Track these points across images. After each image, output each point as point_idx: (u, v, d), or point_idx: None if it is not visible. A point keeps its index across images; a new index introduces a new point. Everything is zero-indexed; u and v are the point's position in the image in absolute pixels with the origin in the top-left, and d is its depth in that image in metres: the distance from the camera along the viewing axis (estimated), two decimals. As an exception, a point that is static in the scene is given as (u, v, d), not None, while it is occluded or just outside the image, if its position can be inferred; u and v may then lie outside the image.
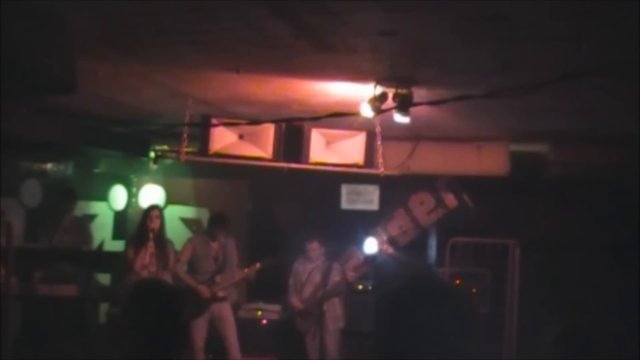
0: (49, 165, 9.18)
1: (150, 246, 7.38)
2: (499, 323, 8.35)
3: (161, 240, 7.49)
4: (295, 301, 8.22)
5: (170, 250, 7.63)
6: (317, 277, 8.19)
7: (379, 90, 5.55)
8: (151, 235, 7.37)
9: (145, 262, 7.34)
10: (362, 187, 9.05)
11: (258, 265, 7.93)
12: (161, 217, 7.57)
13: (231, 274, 7.98)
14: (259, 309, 8.61)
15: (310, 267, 8.25)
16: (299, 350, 8.19)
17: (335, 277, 8.25)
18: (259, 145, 6.94)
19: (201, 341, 7.83)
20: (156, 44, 4.79)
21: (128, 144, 8.55)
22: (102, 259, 8.61)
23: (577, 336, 2.73)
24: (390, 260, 8.76)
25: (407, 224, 8.99)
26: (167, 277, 7.51)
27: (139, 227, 7.54)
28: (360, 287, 8.76)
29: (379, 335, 2.15)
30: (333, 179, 8.26)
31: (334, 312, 8.19)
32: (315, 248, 8.24)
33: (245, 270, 7.97)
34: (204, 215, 8.61)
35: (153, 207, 7.70)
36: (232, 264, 8.02)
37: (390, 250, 8.83)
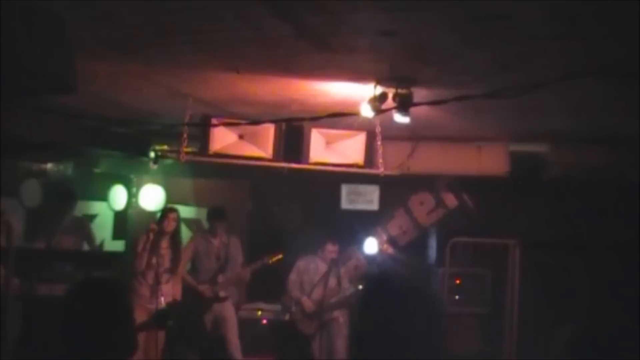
0: (49, 165, 9.17)
1: (163, 247, 7.40)
2: (499, 323, 8.35)
3: (173, 242, 7.52)
4: (307, 302, 8.11)
5: (185, 252, 7.64)
6: (332, 282, 8.07)
7: (379, 90, 5.55)
8: (163, 236, 7.39)
9: (149, 261, 7.35)
10: (362, 187, 9.04)
11: (253, 266, 7.92)
12: (178, 220, 7.58)
13: (233, 273, 7.97)
14: (259, 309, 8.60)
15: (323, 269, 8.13)
16: (300, 351, 8.17)
17: (345, 283, 8.20)
18: (259, 145, 6.94)
19: (203, 340, 7.83)
20: (156, 44, 4.80)
21: (128, 144, 8.55)
22: (102, 259, 8.60)
23: (590, 338, 2.74)
24: (390, 260, 8.77)
25: (407, 224, 8.99)
26: (176, 280, 7.53)
27: (156, 228, 7.49)
28: (360, 287, 8.74)
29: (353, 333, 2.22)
30: (333, 179, 8.25)
31: (346, 318, 8.17)
32: (334, 251, 8.14)
33: (241, 270, 7.96)
34: (204, 215, 8.60)
35: (172, 210, 7.68)
36: (235, 263, 8.01)
37: (390, 250, 8.83)
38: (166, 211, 7.65)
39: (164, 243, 7.43)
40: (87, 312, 2.66)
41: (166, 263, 7.42)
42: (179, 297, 7.58)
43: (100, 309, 2.66)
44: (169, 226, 7.44)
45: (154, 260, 7.35)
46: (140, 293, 7.35)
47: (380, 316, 2.06)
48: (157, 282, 7.28)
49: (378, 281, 2.22)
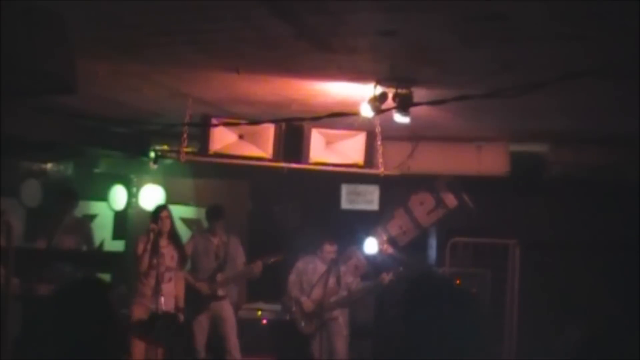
0: (49, 165, 9.18)
1: (163, 246, 7.39)
2: (499, 323, 8.35)
3: (173, 239, 7.51)
4: (307, 302, 8.07)
5: (183, 249, 7.62)
6: (331, 281, 8.02)
7: (379, 90, 5.55)
8: (160, 235, 7.37)
9: (150, 261, 7.34)
10: (362, 187, 9.05)
11: (260, 262, 7.90)
12: (171, 217, 7.57)
13: (233, 272, 7.97)
14: (259, 309, 8.60)
15: (322, 269, 8.08)
16: (300, 351, 8.15)
17: (347, 279, 8.18)
18: (259, 145, 6.94)
19: (202, 340, 7.82)
20: (156, 44, 4.80)
21: (128, 144, 8.55)
22: (102, 259, 8.60)
23: (600, 340, 2.74)
24: (390, 260, 8.76)
25: (407, 224, 8.99)
26: (178, 277, 7.53)
27: (150, 228, 7.49)
28: (361, 287, 8.73)
29: (388, 332, 2.20)
30: (333, 179, 8.26)
31: (345, 318, 8.14)
32: (333, 251, 8.08)
33: (249, 266, 7.94)
34: (204, 215, 8.60)
35: (163, 208, 7.67)
36: (236, 262, 8.01)
37: (390, 250, 8.83)
38: (158, 211, 7.61)
39: (163, 242, 7.42)
40: (74, 313, 2.67)
41: (167, 262, 7.41)
42: (182, 294, 7.56)
43: (86, 310, 2.66)
44: (165, 225, 7.42)
45: (154, 261, 7.33)
46: (142, 293, 7.35)
47: (425, 316, 2.05)
48: (158, 281, 7.28)
49: (420, 281, 2.20)
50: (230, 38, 4.56)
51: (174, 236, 7.55)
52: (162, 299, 7.25)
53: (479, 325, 2.11)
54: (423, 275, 2.20)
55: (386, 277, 7.96)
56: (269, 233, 9.34)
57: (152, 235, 7.35)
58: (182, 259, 7.58)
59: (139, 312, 7.34)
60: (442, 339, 2.03)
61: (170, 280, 7.40)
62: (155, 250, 7.34)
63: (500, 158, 8.15)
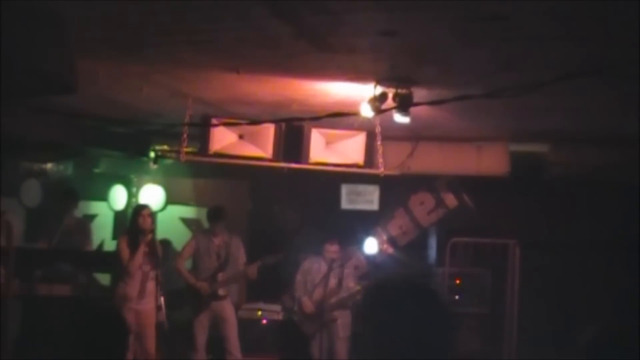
0: (49, 165, 9.18)
1: (144, 246, 7.31)
2: (499, 323, 8.35)
3: (152, 239, 7.44)
4: (307, 302, 8.05)
5: (159, 248, 7.55)
6: (332, 282, 7.99)
7: (379, 90, 5.55)
8: (143, 234, 7.30)
9: (140, 262, 7.29)
10: (362, 187, 9.05)
11: (259, 263, 7.88)
12: (152, 216, 7.51)
13: (234, 271, 7.96)
14: (259, 309, 8.59)
15: (325, 270, 8.04)
16: (300, 351, 8.15)
17: (349, 283, 8.15)
18: (259, 145, 6.94)
19: (203, 340, 7.82)
20: (156, 44, 4.80)
21: (128, 144, 8.56)
22: (102, 259, 8.60)
23: (615, 337, 2.74)
24: (390, 260, 8.76)
25: (407, 224, 8.99)
26: (159, 276, 7.48)
27: (131, 227, 7.46)
28: (359, 287, 8.71)
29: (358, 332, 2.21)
30: (333, 179, 8.25)
31: (346, 319, 8.10)
32: (336, 251, 8.03)
33: (246, 267, 7.93)
34: (204, 215, 8.59)
35: (143, 207, 7.62)
36: (237, 262, 8.00)
37: (390, 250, 8.83)
38: (139, 209, 7.57)
39: (145, 241, 7.33)
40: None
41: (150, 260, 7.31)
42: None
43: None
44: (145, 223, 7.34)
45: (141, 260, 7.27)
46: (128, 295, 7.27)
47: (383, 317, 2.06)
48: (144, 281, 7.23)
49: (378, 282, 2.22)
50: (230, 38, 4.57)
51: (153, 236, 7.47)
52: (162, 298, 7.22)
53: (446, 319, 2.11)
54: (384, 278, 2.21)
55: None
56: (269, 233, 9.34)
57: (143, 235, 7.27)
58: (155, 259, 7.44)
59: (125, 314, 7.26)
60: (407, 339, 2.03)
61: (152, 279, 7.34)
62: (143, 250, 7.27)
63: (500, 158, 8.15)
